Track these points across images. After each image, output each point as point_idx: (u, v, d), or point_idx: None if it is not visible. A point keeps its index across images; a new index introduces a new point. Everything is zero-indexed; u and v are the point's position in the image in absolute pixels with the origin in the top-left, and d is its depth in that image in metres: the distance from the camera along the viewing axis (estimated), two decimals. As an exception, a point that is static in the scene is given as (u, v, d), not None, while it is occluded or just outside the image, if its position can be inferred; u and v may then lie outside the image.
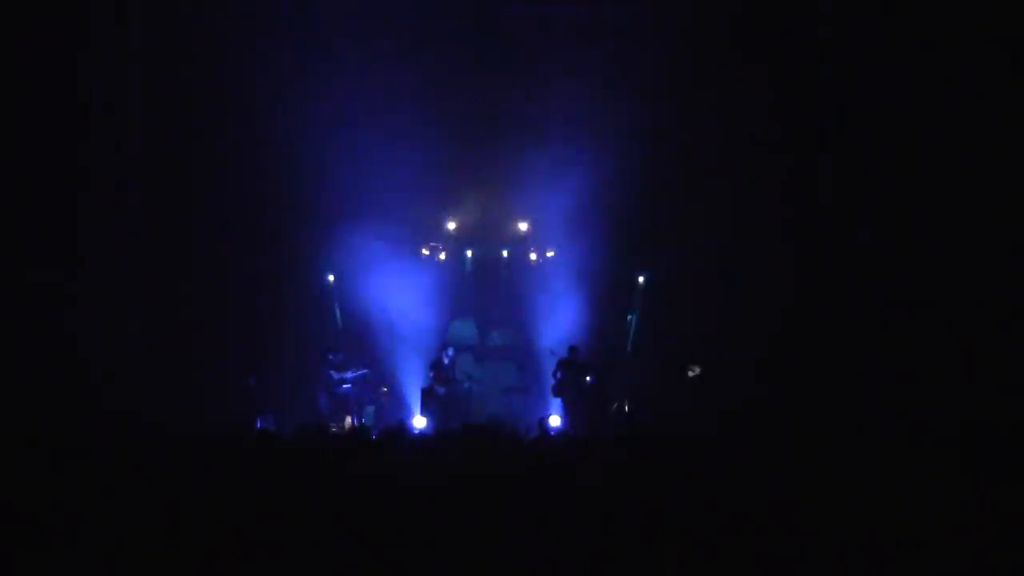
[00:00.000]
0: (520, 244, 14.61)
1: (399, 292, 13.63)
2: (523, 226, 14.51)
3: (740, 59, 12.52)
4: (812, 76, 12.48)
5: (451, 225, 14.47)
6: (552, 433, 8.94)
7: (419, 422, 12.98)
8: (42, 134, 11.36)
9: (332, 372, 13.21)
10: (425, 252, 14.39)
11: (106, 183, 12.26)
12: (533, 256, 14.56)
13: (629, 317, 14.05)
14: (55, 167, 11.54)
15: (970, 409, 8.83)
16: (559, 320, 13.84)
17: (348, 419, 13.05)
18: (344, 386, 13.27)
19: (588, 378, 12.75)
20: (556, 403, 13.13)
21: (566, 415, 12.82)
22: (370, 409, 13.47)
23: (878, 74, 11.85)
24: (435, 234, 14.48)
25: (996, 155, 10.62)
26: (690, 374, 12.87)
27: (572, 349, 12.90)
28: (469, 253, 14.61)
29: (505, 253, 14.61)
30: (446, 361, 13.32)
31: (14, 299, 10.96)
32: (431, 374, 13.30)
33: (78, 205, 11.87)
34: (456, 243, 14.57)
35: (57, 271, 11.40)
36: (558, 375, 12.77)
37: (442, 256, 14.50)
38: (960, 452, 4.93)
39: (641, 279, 14.04)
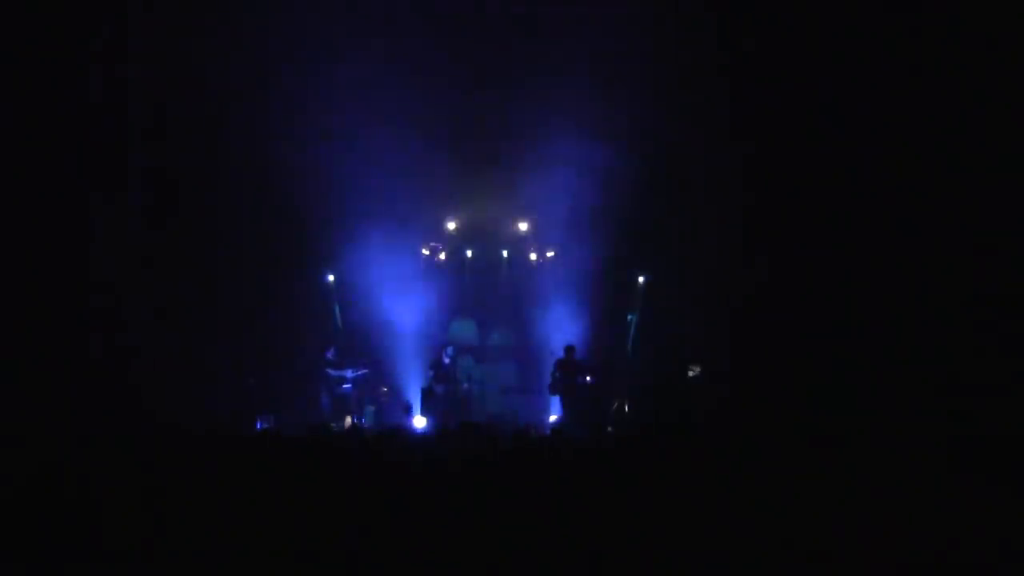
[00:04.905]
0: (520, 244, 14.62)
1: (398, 291, 13.63)
2: (523, 226, 14.52)
3: (740, 59, 12.52)
4: (813, 77, 12.49)
5: (451, 225, 14.47)
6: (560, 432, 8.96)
7: (419, 422, 12.99)
8: (43, 133, 11.37)
9: (330, 371, 13.24)
10: (425, 252, 14.40)
11: (106, 183, 12.27)
12: (533, 256, 14.57)
13: (629, 317, 14.05)
14: (56, 166, 11.54)
15: (968, 411, 8.83)
16: (559, 320, 13.85)
17: (348, 419, 13.06)
18: (344, 386, 13.29)
19: (587, 377, 12.76)
20: (556, 403, 13.14)
21: (565, 415, 12.83)
22: (370, 409, 13.48)
23: (875, 74, 11.85)
24: (435, 234, 14.49)
25: (992, 156, 10.63)
26: (690, 374, 12.87)
27: (568, 348, 12.90)
28: (469, 253, 14.61)
29: (505, 253, 14.62)
30: (447, 361, 13.32)
31: (14, 297, 10.97)
32: (431, 374, 13.31)
33: (78, 205, 11.87)
34: (456, 243, 14.57)
35: (58, 273, 11.40)
36: (556, 375, 12.78)
37: (442, 256, 14.50)
38: (958, 453, 4.94)
39: (641, 279, 14.04)
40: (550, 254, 14.50)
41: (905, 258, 11.48)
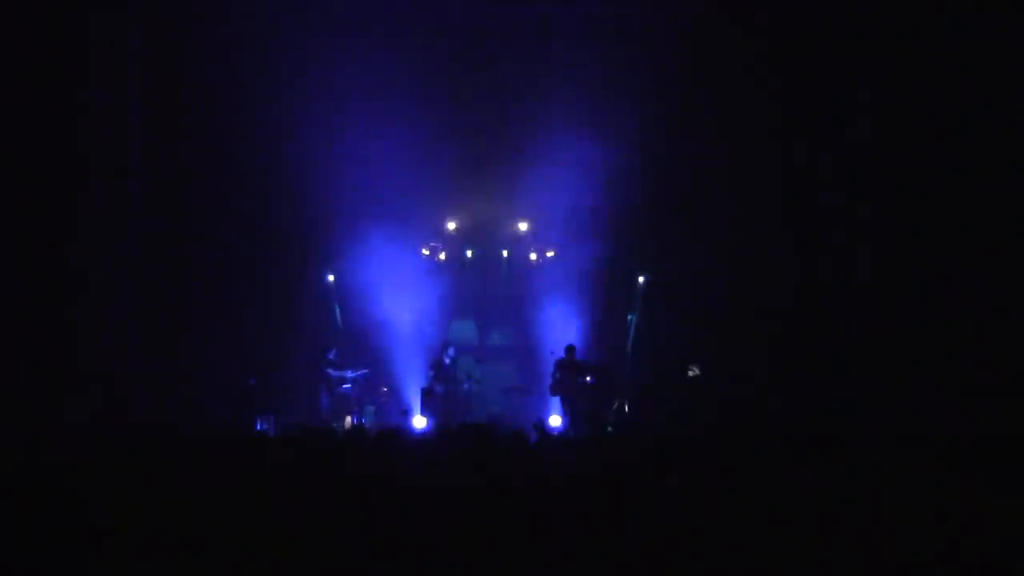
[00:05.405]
0: (520, 244, 14.61)
1: (398, 291, 13.63)
2: (523, 226, 14.51)
3: (742, 59, 12.52)
4: (814, 77, 12.49)
5: (451, 225, 14.46)
6: (552, 433, 8.92)
7: (419, 422, 12.99)
8: (44, 132, 11.37)
9: (331, 371, 13.24)
10: (425, 252, 14.39)
11: (107, 183, 12.27)
12: (533, 256, 14.56)
13: (629, 317, 14.05)
14: (57, 166, 11.54)
15: (968, 413, 8.83)
16: (559, 320, 13.84)
17: (348, 419, 13.06)
18: (344, 386, 13.30)
19: (587, 378, 12.76)
20: (556, 403, 13.14)
21: (565, 415, 12.83)
22: (370, 409, 13.48)
23: (880, 75, 11.85)
24: (435, 234, 14.48)
25: (994, 160, 10.62)
26: (690, 374, 12.87)
27: (569, 349, 12.90)
28: (469, 253, 14.60)
29: (505, 253, 14.60)
30: (447, 361, 13.31)
31: (14, 296, 10.97)
32: (431, 374, 13.30)
33: (78, 205, 11.87)
34: (456, 243, 14.56)
35: (58, 272, 11.41)
36: (556, 375, 12.77)
37: (442, 256, 14.49)
38: (959, 456, 4.93)
39: (641, 279, 14.04)
40: (550, 254, 14.49)
41: (904, 257, 11.49)
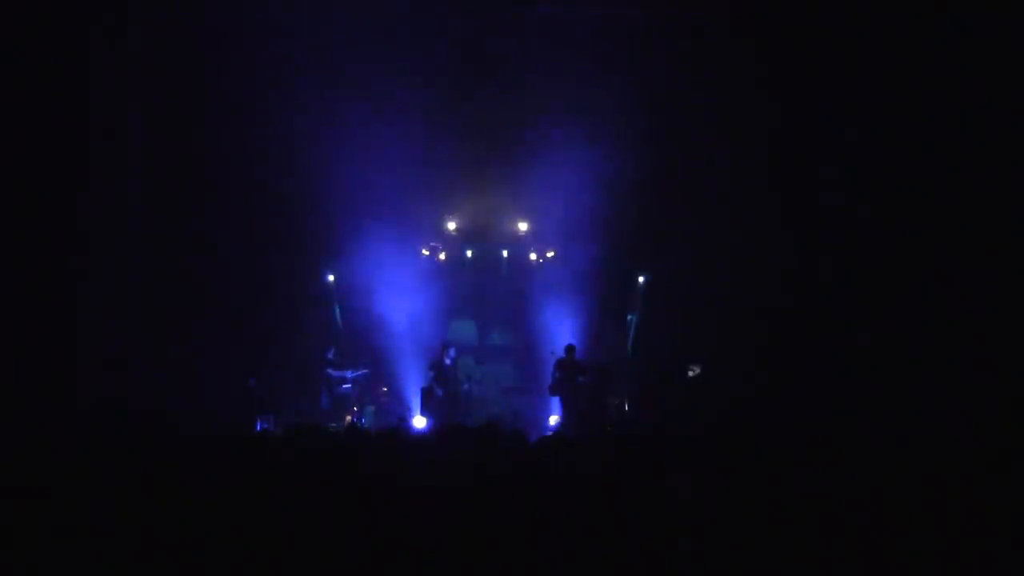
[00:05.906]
0: (520, 244, 14.62)
1: (398, 292, 13.64)
2: (523, 226, 14.52)
3: (741, 59, 12.53)
4: (814, 77, 12.49)
5: (451, 225, 14.48)
6: (557, 428, 8.96)
7: (419, 422, 12.99)
8: (44, 133, 11.36)
9: (331, 371, 13.26)
10: (425, 252, 14.40)
11: (107, 183, 12.27)
12: (533, 256, 14.57)
13: (629, 317, 14.06)
14: (57, 166, 11.53)
15: (968, 413, 8.83)
16: (559, 320, 13.85)
17: (348, 419, 13.08)
18: (344, 386, 13.31)
19: (587, 378, 12.76)
20: (556, 403, 13.15)
21: (564, 415, 12.84)
22: (370, 409, 13.49)
23: (880, 75, 11.84)
24: (435, 234, 14.49)
25: (997, 159, 10.61)
26: (690, 374, 12.88)
27: (569, 348, 12.91)
28: (469, 253, 14.61)
29: (505, 253, 14.62)
30: (448, 361, 13.31)
31: (14, 295, 10.96)
32: (431, 374, 13.30)
33: (78, 205, 11.86)
34: (456, 243, 14.57)
35: (58, 271, 11.40)
36: (556, 375, 12.78)
37: (442, 256, 14.50)
38: (959, 456, 4.93)
39: (641, 279, 14.05)
40: (550, 254, 14.51)
41: (904, 257, 11.48)
